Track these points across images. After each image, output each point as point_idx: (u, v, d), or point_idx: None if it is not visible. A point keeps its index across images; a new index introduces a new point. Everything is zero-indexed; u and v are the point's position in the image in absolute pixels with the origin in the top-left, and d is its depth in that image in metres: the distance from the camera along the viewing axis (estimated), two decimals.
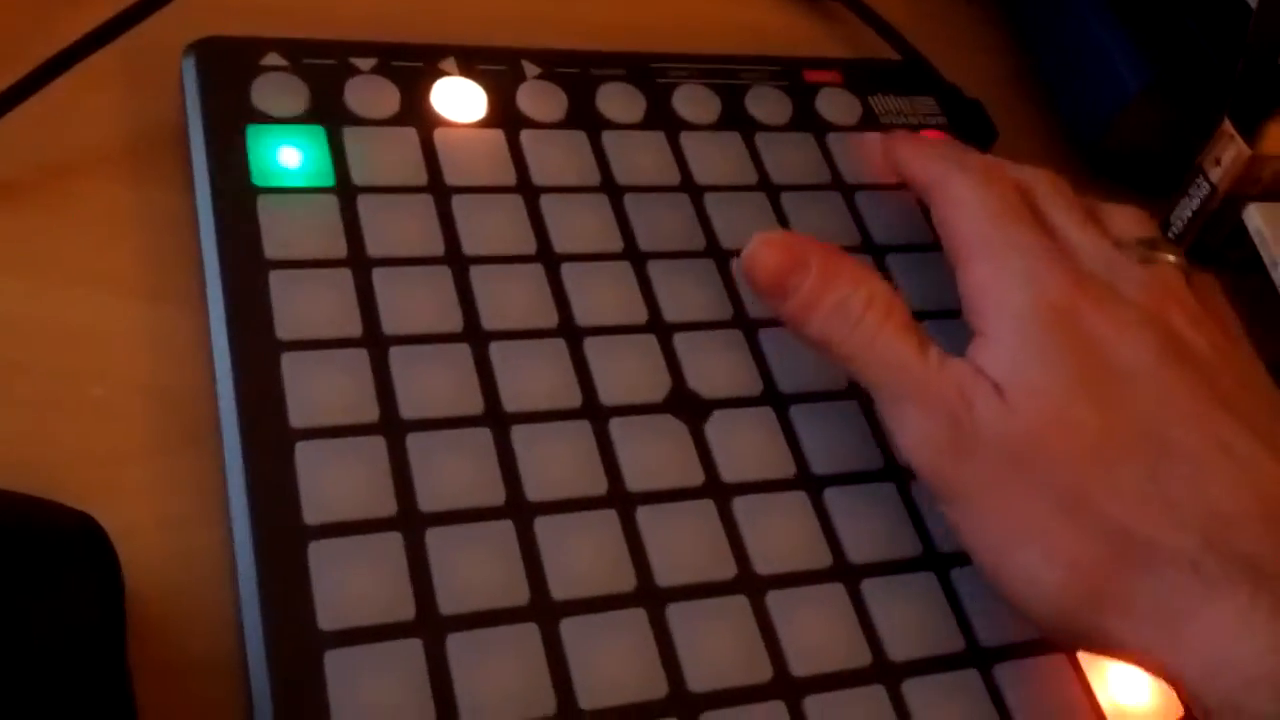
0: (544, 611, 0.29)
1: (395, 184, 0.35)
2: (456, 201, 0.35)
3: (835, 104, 0.41)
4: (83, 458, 0.31)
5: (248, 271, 0.32)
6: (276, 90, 0.35)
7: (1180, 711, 0.31)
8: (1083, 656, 0.32)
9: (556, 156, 0.37)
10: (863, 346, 0.31)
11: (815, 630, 0.30)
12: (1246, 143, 0.40)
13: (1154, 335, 0.31)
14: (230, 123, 0.34)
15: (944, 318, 0.35)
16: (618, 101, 0.39)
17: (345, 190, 0.34)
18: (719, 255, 0.36)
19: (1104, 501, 0.29)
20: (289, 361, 0.31)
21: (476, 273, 0.34)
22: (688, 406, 0.33)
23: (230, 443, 0.30)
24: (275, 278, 0.32)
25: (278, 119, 0.35)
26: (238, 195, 0.33)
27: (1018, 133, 0.45)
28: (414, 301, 0.33)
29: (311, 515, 0.29)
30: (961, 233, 0.33)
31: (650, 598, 0.30)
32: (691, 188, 0.38)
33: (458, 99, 0.37)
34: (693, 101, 0.39)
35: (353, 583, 0.28)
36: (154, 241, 0.34)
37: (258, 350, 0.31)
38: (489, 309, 0.33)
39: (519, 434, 0.31)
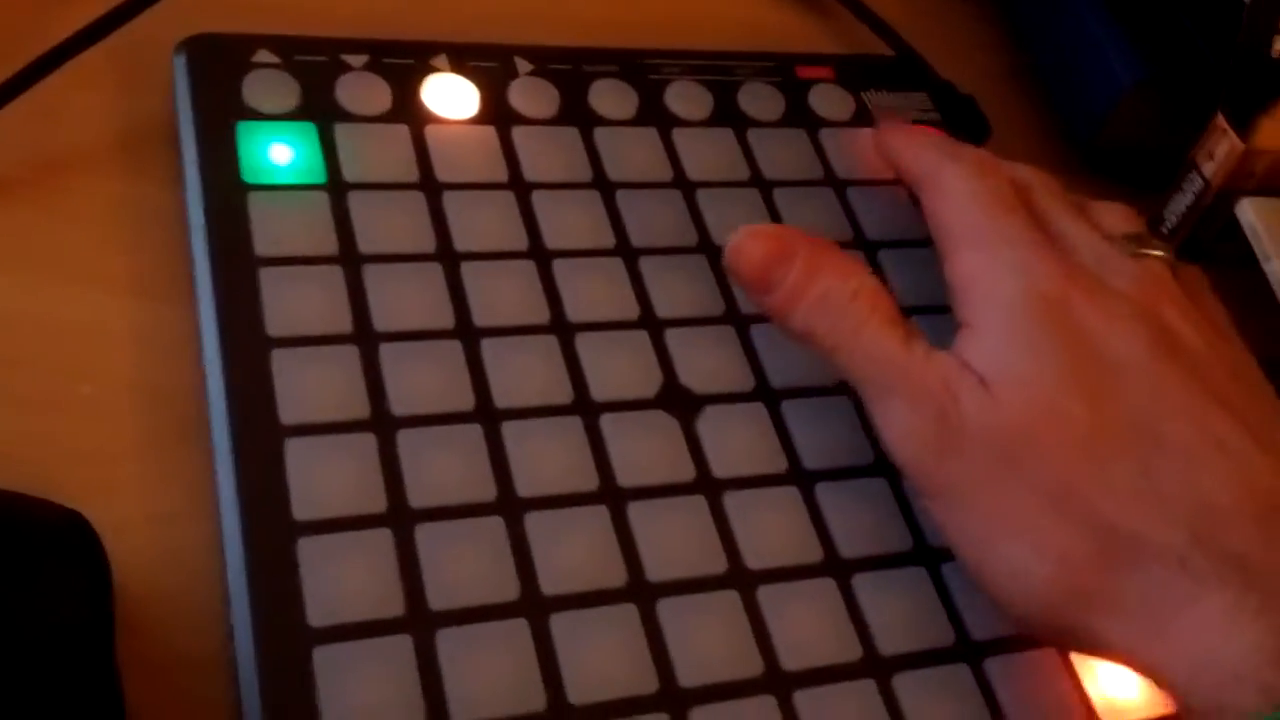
0: (534, 607, 0.29)
1: (387, 181, 0.35)
2: (448, 198, 0.35)
3: (828, 100, 0.41)
4: (72, 454, 0.31)
5: (238, 268, 0.32)
6: (267, 87, 0.35)
7: (1170, 706, 0.31)
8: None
9: (548, 153, 0.37)
10: (847, 339, 0.31)
11: (806, 625, 0.30)
12: (1239, 137, 0.40)
13: (1146, 328, 0.31)
14: (221, 119, 0.34)
15: (935, 313, 0.35)
16: (610, 98, 0.39)
17: (336, 187, 0.34)
18: (711, 251, 0.36)
19: (1094, 496, 0.28)
20: (279, 358, 0.31)
21: (468, 269, 0.34)
22: (679, 402, 0.33)
23: (220, 439, 0.30)
24: (266, 274, 0.32)
25: (269, 116, 0.35)
26: (228, 192, 0.33)
27: (1011, 129, 0.45)
28: (405, 298, 0.33)
29: (301, 511, 0.29)
30: (951, 222, 0.33)
31: (641, 593, 0.30)
32: (684, 184, 0.38)
33: (449, 95, 0.37)
34: (685, 97, 0.39)
35: (343, 579, 0.28)
36: (144, 238, 0.34)
37: (248, 347, 0.31)
38: (480, 305, 0.33)
39: (510, 430, 0.31)
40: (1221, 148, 0.40)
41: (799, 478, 0.33)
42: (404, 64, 0.37)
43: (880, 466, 0.33)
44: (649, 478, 0.32)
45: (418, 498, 0.30)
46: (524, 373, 0.32)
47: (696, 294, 0.35)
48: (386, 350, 0.32)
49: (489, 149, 0.36)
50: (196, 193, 0.33)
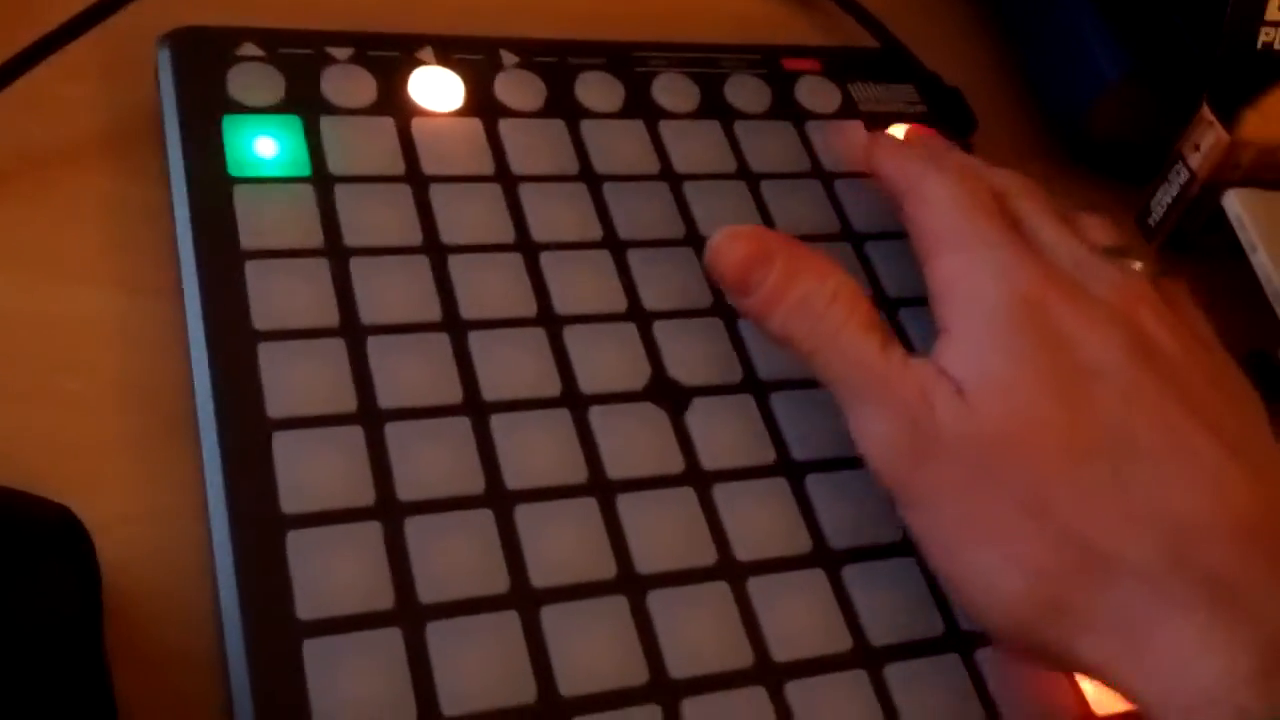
0: (524, 599, 0.29)
1: (372, 173, 0.35)
2: (434, 191, 0.35)
3: (814, 92, 0.41)
4: (60, 450, 0.30)
5: (224, 262, 0.32)
6: (252, 80, 0.35)
7: None
8: None
9: (535, 145, 0.37)
10: (824, 343, 0.31)
11: (796, 616, 0.30)
12: (1225, 129, 0.40)
13: (1124, 333, 0.30)
14: (206, 113, 0.34)
15: (922, 305, 0.35)
16: (596, 90, 0.39)
17: (322, 180, 0.34)
18: (698, 243, 0.36)
19: (1068, 509, 0.28)
20: (266, 351, 0.31)
21: (455, 262, 0.34)
22: (668, 394, 0.33)
23: (207, 434, 0.30)
24: (251, 268, 0.32)
25: (254, 109, 0.35)
26: (214, 185, 0.33)
27: (998, 121, 0.45)
28: (392, 291, 0.33)
29: (290, 505, 0.29)
30: (932, 227, 0.33)
31: (631, 585, 0.30)
32: (671, 176, 0.37)
33: (435, 88, 0.37)
34: (671, 90, 0.39)
35: (332, 572, 0.28)
36: (129, 232, 0.34)
37: (234, 341, 0.31)
38: (467, 298, 0.33)
39: (498, 423, 0.31)
40: (1207, 139, 0.40)
41: (788, 469, 0.33)
42: (389, 56, 0.37)
43: None
44: (638, 470, 0.32)
45: (406, 491, 0.30)
46: (512, 365, 0.32)
47: (684, 286, 0.35)
48: (374, 343, 0.32)
49: (475, 142, 0.36)
50: (182, 186, 0.33)
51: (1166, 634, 0.27)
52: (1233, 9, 0.39)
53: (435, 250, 0.34)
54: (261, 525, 0.28)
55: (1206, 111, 0.40)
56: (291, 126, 0.35)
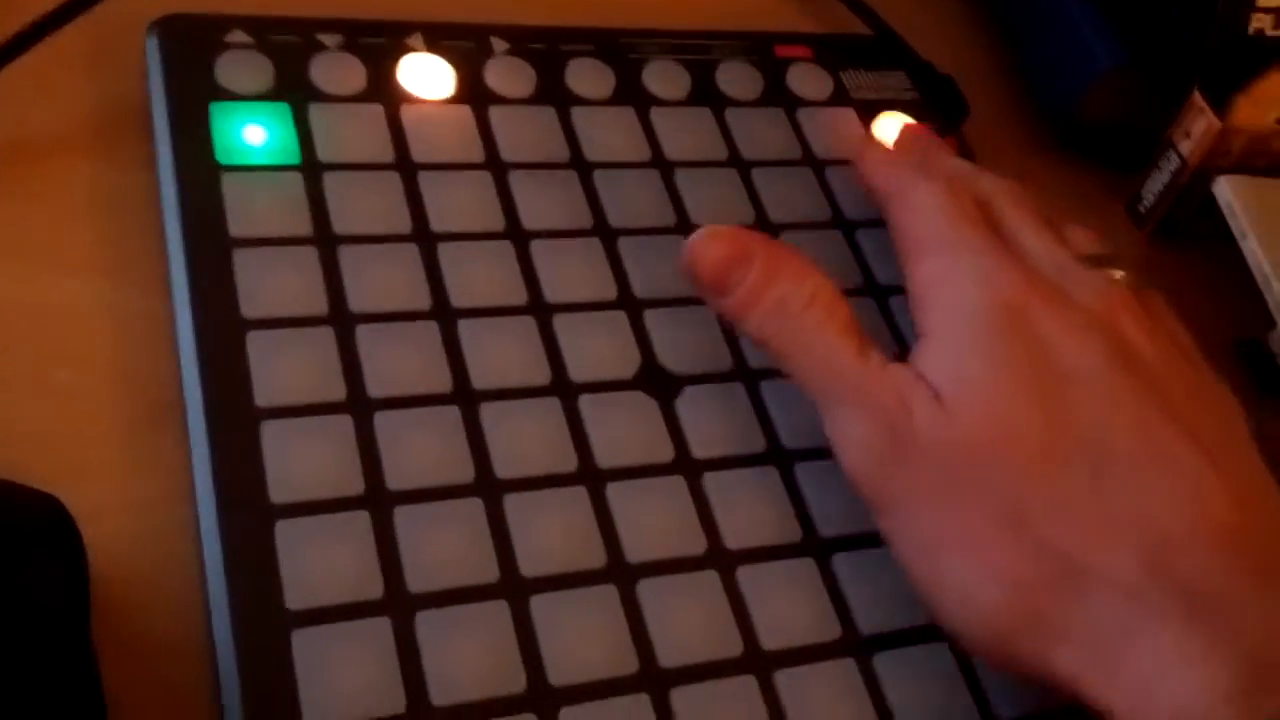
0: (514, 589, 0.29)
1: (362, 161, 0.34)
2: (424, 178, 0.35)
3: (806, 79, 0.41)
4: (48, 439, 0.30)
5: (212, 250, 0.32)
6: (241, 67, 0.35)
7: None
8: None
9: (525, 133, 0.37)
10: (801, 346, 0.31)
11: (786, 605, 0.30)
12: (1216, 115, 0.40)
13: (1103, 339, 0.30)
14: (194, 100, 0.34)
15: None
16: (587, 77, 0.38)
17: (311, 167, 0.34)
18: (689, 231, 0.35)
19: (1044, 519, 0.28)
20: (254, 340, 0.31)
21: (444, 250, 0.34)
22: (658, 382, 0.33)
23: (195, 423, 0.29)
24: (240, 256, 0.32)
25: (242, 96, 0.34)
26: (202, 173, 0.33)
27: (990, 108, 0.44)
28: (381, 279, 0.32)
29: (278, 494, 0.29)
30: (915, 232, 0.33)
31: (620, 574, 0.30)
32: (662, 163, 0.37)
33: (425, 75, 0.37)
34: (662, 77, 0.39)
35: (320, 561, 0.28)
36: (117, 220, 0.34)
37: (222, 329, 0.31)
38: (457, 286, 0.33)
39: (488, 411, 0.31)
40: (1198, 126, 0.40)
41: (778, 457, 0.33)
42: (379, 43, 0.37)
43: None
44: (628, 458, 0.32)
45: (395, 480, 0.30)
46: (502, 354, 0.32)
47: (675, 274, 0.35)
48: (363, 332, 0.32)
49: (465, 129, 0.36)
50: (170, 174, 0.33)
51: (1142, 646, 0.26)
52: None
53: (425, 238, 0.34)
54: (250, 515, 0.28)
55: (1198, 98, 0.40)
56: (280, 114, 0.34)
